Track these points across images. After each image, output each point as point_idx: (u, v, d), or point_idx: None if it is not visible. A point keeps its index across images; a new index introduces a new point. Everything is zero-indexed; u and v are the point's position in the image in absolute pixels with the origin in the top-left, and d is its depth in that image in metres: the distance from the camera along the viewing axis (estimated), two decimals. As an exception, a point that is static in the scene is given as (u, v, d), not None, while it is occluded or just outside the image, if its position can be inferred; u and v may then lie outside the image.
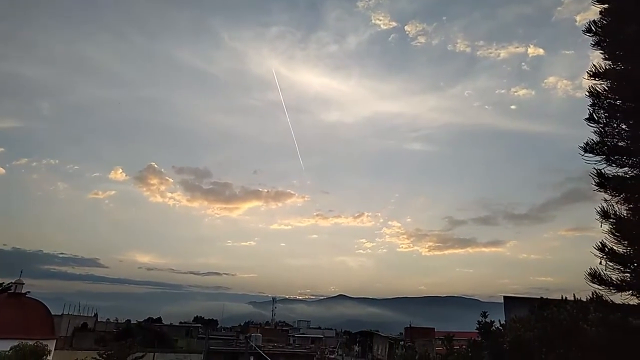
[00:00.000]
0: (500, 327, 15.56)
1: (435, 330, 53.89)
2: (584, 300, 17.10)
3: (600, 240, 8.46)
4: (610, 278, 8.46)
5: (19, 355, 21.95)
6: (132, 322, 69.63)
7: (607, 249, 8.32)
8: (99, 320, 71.23)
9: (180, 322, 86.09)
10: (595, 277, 8.56)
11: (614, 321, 10.72)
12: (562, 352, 14.43)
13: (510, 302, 25.16)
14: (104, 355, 34.55)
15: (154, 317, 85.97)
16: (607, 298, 8.35)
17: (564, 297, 17.93)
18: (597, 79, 9.40)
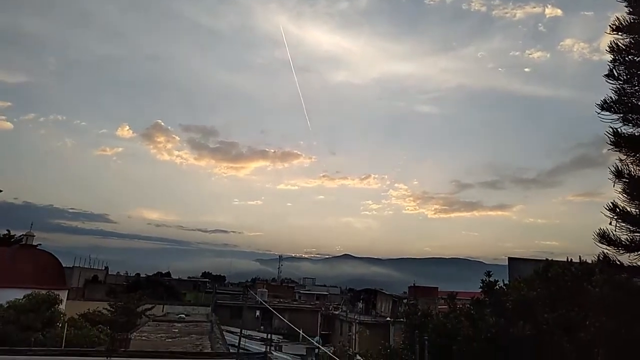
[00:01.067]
0: (504, 287, 15.67)
1: (439, 290, 54.80)
2: (590, 262, 17.19)
3: (612, 201, 8.27)
4: (620, 239, 8.31)
5: (32, 303, 22.60)
6: (141, 275, 71.49)
7: (618, 210, 8.13)
8: (109, 273, 73.22)
9: (189, 277, 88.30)
10: (604, 237, 8.43)
11: (619, 281, 10.68)
12: (564, 312, 14.57)
13: (515, 263, 25.32)
14: (115, 306, 35.67)
15: (163, 272, 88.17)
16: (615, 258, 8.23)
17: (569, 259, 17.96)
18: (619, 33, 8.91)
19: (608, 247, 8.25)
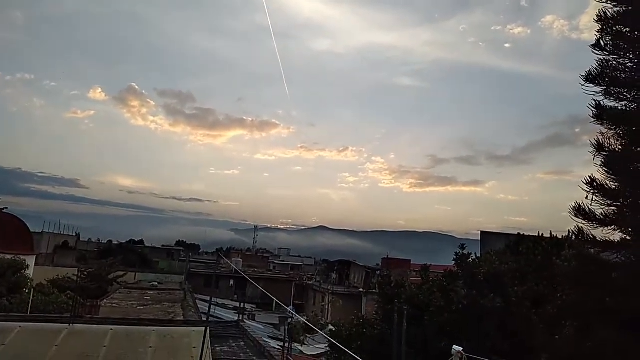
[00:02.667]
0: (476, 260, 15.89)
1: (412, 262, 55.84)
2: (560, 237, 17.58)
3: (590, 175, 8.25)
4: (594, 213, 8.34)
5: (-4, 268, 21.89)
6: (113, 242, 70.42)
7: (596, 184, 8.12)
8: (80, 239, 71.80)
9: (162, 245, 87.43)
10: (579, 211, 8.44)
11: (588, 256, 10.83)
12: (532, 286, 14.92)
13: (487, 237, 25.83)
14: (86, 273, 35.02)
15: (136, 239, 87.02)
16: (589, 233, 8.28)
17: (540, 234, 18.34)
18: (609, 2, 8.72)
19: (583, 221, 8.27)
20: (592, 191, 8.18)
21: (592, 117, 8.34)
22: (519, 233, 19.22)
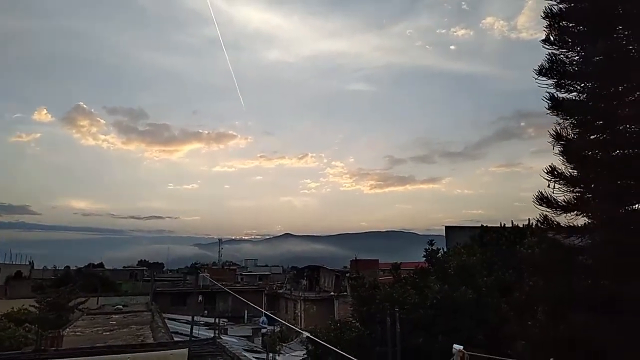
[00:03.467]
0: (445, 254, 16.20)
1: (379, 262, 56.36)
2: (521, 226, 18.22)
3: (550, 164, 8.57)
4: (557, 200, 8.65)
5: (-58, 308, 20.31)
6: (71, 268, 67.21)
7: (556, 172, 8.44)
8: (35, 268, 68.13)
9: (124, 267, 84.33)
10: (543, 200, 8.74)
11: (549, 241, 11.24)
12: (499, 275, 15.36)
13: (452, 231, 26.44)
14: (43, 303, 33.17)
15: (95, 263, 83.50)
16: (554, 219, 8.59)
17: (502, 225, 18.94)
18: (553, -1, 9.13)
19: (547, 209, 8.57)
20: (553, 179, 8.49)
21: (548, 109, 8.68)
22: (482, 225, 19.76)
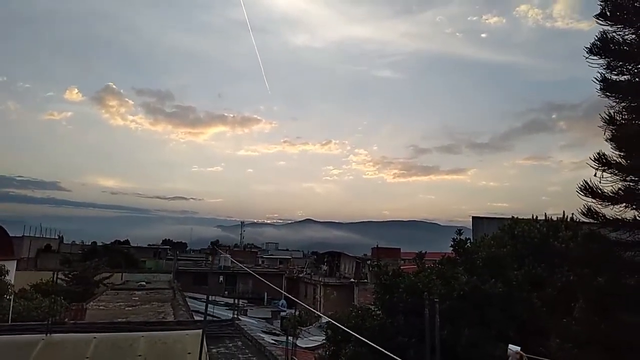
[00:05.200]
0: (474, 245, 15.56)
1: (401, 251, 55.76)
2: (555, 219, 17.38)
3: (599, 150, 7.88)
4: (603, 191, 7.98)
5: (-28, 276, 20.91)
6: (98, 244, 68.93)
7: (605, 160, 7.76)
8: (63, 242, 70.19)
9: (149, 245, 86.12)
10: (588, 190, 8.07)
11: (590, 234, 10.51)
12: (530, 269, 14.67)
13: (479, 222, 25.61)
14: (70, 276, 34.02)
15: (121, 240, 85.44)
16: (599, 211, 7.93)
17: (535, 217, 18.12)
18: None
19: (593, 200, 7.91)
20: (600, 167, 7.82)
21: (600, 91, 7.97)
22: (512, 216, 18.98)
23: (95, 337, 4.90)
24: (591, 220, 8.27)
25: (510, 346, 2.51)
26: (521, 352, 2.45)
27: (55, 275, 15.07)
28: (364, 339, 5.31)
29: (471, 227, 25.51)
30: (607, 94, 7.97)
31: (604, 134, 7.78)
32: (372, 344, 4.35)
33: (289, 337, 10.64)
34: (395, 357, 4.06)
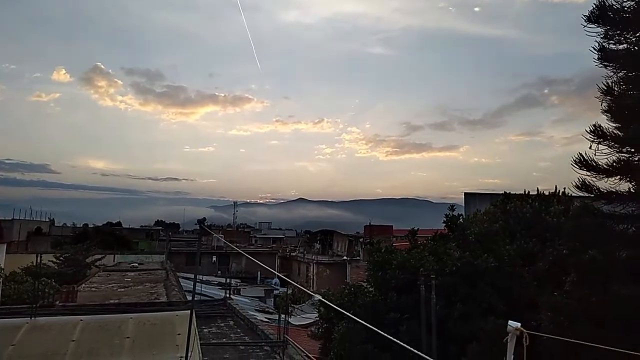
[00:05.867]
0: (466, 220, 15.55)
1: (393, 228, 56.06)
2: (547, 194, 17.40)
3: (595, 123, 7.74)
4: (598, 163, 7.87)
5: (-39, 259, 20.61)
6: (89, 226, 68.52)
7: (601, 131, 7.62)
8: (55, 225, 69.67)
9: (141, 226, 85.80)
10: (582, 162, 7.96)
11: (582, 207, 10.48)
12: (521, 243, 14.73)
13: (471, 198, 25.70)
14: (61, 258, 33.77)
15: (113, 222, 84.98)
16: (594, 184, 7.83)
17: (526, 192, 18.13)
18: None
19: (588, 173, 7.81)
20: (596, 140, 7.69)
21: (597, 60, 7.77)
22: (504, 192, 18.98)
23: (82, 320, 4.74)
24: (585, 194, 8.19)
25: (510, 322, 2.42)
26: (521, 328, 2.35)
27: (39, 258, 14.77)
28: (354, 317, 5.21)
29: (463, 204, 25.60)
30: (605, 63, 7.78)
31: (601, 104, 7.63)
32: (363, 322, 4.25)
33: (282, 315, 10.63)
34: (385, 334, 3.97)
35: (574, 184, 7.86)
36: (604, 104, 7.65)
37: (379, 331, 4.00)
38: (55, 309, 9.65)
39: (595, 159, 7.85)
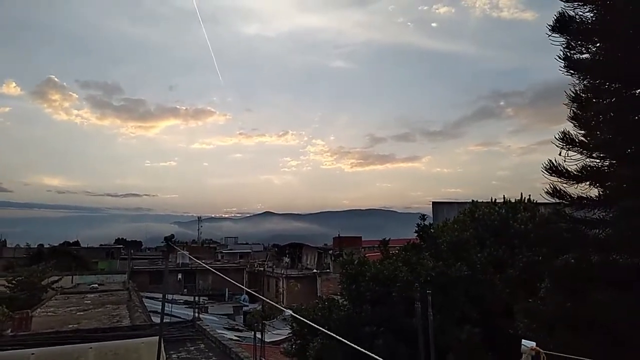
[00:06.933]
0: (435, 230, 15.57)
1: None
2: (513, 201, 17.73)
3: (563, 130, 7.85)
4: (568, 170, 7.97)
5: None
6: (45, 246, 65.19)
7: (569, 138, 7.73)
8: (7, 246, 66.07)
9: (101, 245, 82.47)
10: (552, 169, 8.04)
11: (542, 217, 10.69)
12: (491, 251, 14.89)
13: (439, 207, 25.95)
14: (14, 282, 31.80)
15: (71, 241, 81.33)
16: (565, 190, 7.91)
17: (493, 200, 18.43)
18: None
19: (558, 179, 7.88)
20: (565, 146, 7.79)
21: (564, 68, 7.91)
22: (472, 200, 19.23)
23: (33, 354, 4.23)
24: (555, 200, 8.27)
25: (524, 342, 2.25)
26: (537, 348, 2.19)
27: (11, 282, 13.62)
28: (329, 332, 4.95)
29: (430, 213, 25.83)
30: (571, 71, 7.93)
31: (570, 111, 7.75)
32: (338, 337, 4.03)
33: (256, 333, 10.17)
34: (361, 349, 3.78)
35: (545, 190, 7.92)
36: (570, 111, 7.79)
37: (355, 346, 3.81)
38: (3, 341, 8.78)
39: (565, 166, 7.94)
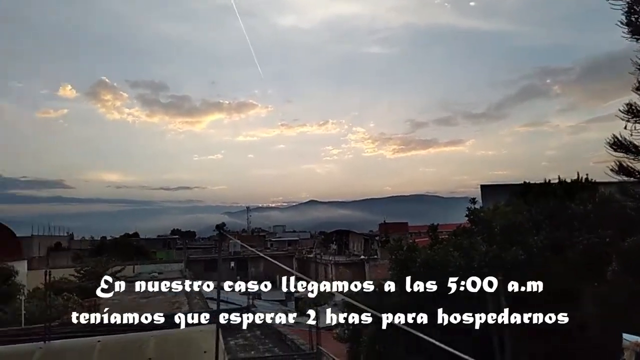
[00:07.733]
0: (489, 213, 15.02)
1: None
2: (569, 182, 16.83)
3: (628, 101, 7.28)
4: (634, 144, 7.41)
5: (-19, 279, 20.73)
6: (107, 238, 69.08)
7: (635, 110, 7.16)
8: (74, 239, 70.47)
9: (158, 236, 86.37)
10: (617, 144, 7.51)
11: (604, 196, 9.99)
12: (548, 232, 14.20)
13: (488, 190, 25.02)
14: (82, 272, 33.95)
15: (130, 233, 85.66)
16: (631, 166, 7.37)
17: (547, 180, 17.56)
18: None
19: (625, 155, 7.35)
20: (631, 119, 7.23)
21: (627, 34, 7.31)
22: (524, 182, 18.42)
23: (99, 341, 4.46)
24: (621, 178, 7.73)
25: (626, 336, 2.08)
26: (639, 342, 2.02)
27: (47, 276, 14.24)
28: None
29: (477, 197, 24.92)
30: (636, 37, 7.31)
31: (635, 81, 7.16)
32: (398, 325, 3.91)
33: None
34: (420, 334, 3.64)
35: (610, 167, 7.40)
36: (636, 81, 7.19)
37: (413, 331, 3.66)
38: (71, 329, 9.32)
39: (631, 140, 7.39)
